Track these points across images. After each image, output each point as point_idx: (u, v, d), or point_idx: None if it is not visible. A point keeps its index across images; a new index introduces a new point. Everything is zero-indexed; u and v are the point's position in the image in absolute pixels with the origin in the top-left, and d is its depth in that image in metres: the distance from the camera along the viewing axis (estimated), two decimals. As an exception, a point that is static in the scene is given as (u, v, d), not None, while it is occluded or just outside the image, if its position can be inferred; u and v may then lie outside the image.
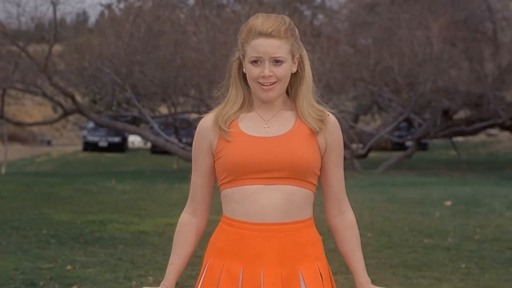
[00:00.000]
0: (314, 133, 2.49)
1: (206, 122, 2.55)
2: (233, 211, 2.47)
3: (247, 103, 2.54)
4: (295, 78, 2.54)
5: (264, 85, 2.46)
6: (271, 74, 2.45)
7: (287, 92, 2.55)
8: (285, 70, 2.47)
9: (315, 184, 2.52)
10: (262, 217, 2.43)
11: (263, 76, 2.45)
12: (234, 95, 2.55)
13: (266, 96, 2.47)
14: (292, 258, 2.44)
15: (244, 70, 2.52)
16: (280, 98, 2.53)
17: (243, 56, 2.50)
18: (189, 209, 2.61)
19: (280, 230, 2.43)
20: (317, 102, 2.56)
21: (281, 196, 2.43)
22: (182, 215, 2.63)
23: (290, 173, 2.44)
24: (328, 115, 2.55)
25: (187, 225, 2.60)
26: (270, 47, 2.44)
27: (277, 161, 2.43)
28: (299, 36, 2.54)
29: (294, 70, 2.52)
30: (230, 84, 2.57)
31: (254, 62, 2.46)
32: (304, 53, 2.55)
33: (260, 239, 2.42)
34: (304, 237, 2.46)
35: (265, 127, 2.49)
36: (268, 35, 2.44)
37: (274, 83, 2.46)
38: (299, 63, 2.53)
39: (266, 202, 2.43)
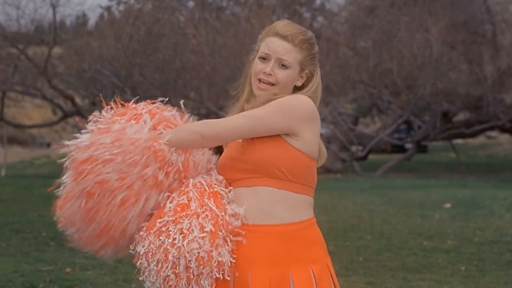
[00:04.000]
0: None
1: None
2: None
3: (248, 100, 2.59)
4: (299, 93, 2.55)
5: (262, 82, 2.48)
6: (272, 73, 2.47)
7: None
8: (287, 75, 2.49)
9: (304, 185, 2.48)
10: (250, 219, 2.43)
11: (264, 72, 2.48)
12: (241, 94, 2.61)
13: (257, 93, 2.51)
14: (282, 261, 2.42)
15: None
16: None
17: (257, 51, 2.56)
18: None
19: (270, 232, 2.42)
20: None
21: (258, 198, 2.44)
22: None
23: (260, 171, 2.44)
24: None
25: None
26: (280, 48, 2.49)
27: (244, 160, 2.47)
28: (317, 55, 2.57)
29: (299, 83, 2.54)
30: (245, 82, 2.61)
31: (263, 58, 2.51)
32: (317, 72, 2.58)
33: (249, 241, 2.42)
34: (293, 240, 2.44)
35: None
36: (283, 37, 2.49)
37: (271, 85, 2.48)
38: (307, 79, 2.54)
39: (248, 205, 2.44)
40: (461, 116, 26.09)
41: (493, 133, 37.21)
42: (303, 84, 2.55)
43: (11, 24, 22.30)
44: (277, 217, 2.43)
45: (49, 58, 21.10)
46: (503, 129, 25.17)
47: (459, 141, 33.77)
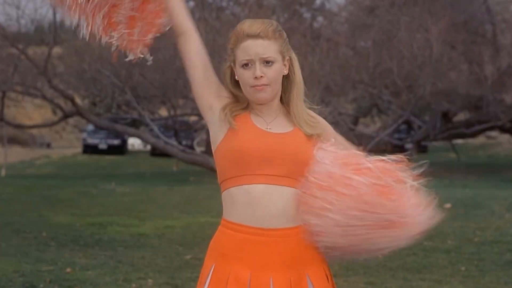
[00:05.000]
0: (311, 137, 2.50)
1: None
2: (237, 215, 2.44)
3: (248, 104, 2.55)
4: (287, 82, 2.54)
5: (257, 86, 2.46)
6: (263, 75, 2.44)
7: (281, 98, 2.55)
8: (276, 71, 2.47)
9: None
10: (269, 222, 2.41)
11: (255, 78, 2.44)
12: (234, 99, 2.55)
13: (260, 96, 2.47)
14: (300, 263, 2.43)
15: (236, 77, 2.52)
16: (276, 101, 2.53)
17: (234, 62, 2.50)
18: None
19: (288, 235, 2.42)
20: (307, 105, 2.58)
21: (284, 201, 2.41)
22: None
23: (294, 170, 2.42)
24: (319, 120, 2.58)
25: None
26: (259, 48, 2.45)
27: (284, 154, 2.43)
28: (287, 39, 2.54)
29: (286, 72, 2.52)
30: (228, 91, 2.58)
31: (245, 65, 2.46)
32: (293, 55, 2.55)
33: (268, 245, 2.41)
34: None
35: (267, 127, 2.49)
36: (256, 36, 2.45)
37: (266, 85, 2.46)
38: (289, 66, 2.53)
39: (272, 207, 2.41)
40: (461, 116, 26.08)
41: (493, 133, 37.20)
42: (288, 71, 2.53)
43: (11, 24, 22.28)
44: (294, 220, 2.43)
45: (49, 58, 21.07)
46: (503, 129, 25.16)
47: (459, 141, 33.75)
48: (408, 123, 26.01)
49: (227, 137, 2.47)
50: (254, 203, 2.41)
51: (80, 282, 6.43)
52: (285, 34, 2.53)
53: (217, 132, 2.51)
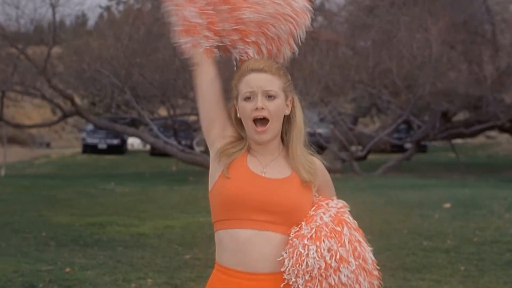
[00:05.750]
0: (308, 184, 2.49)
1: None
2: (227, 260, 2.45)
3: (247, 145, 2.53)
4: (288, 124, 2.53)
5: (257, 120, 2.44)
6: (264, 107, 2.43)
7: (282, 139, 2.54)
8: (278, 106, 2.46)
9: None
10: (254, 267, 2.42)
11: (256, 109, 2.43)
12: (238, 137, 2.54)
13: (260, 138, 2.46)
14: None
15: (238, 115, 2.50)
16: (275, 143, 2.51)
17: (237, 97, 2.49)
18: None
19: (274, 279, 2.42)
20: (306, 148, 2.55)
21: (271, 247, 2.42)
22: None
23: (284, 218, 2.42)
24: (316, 165, 2.55)
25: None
26: (262, 81, 2.44)
27: (274, 202, 2.42)
28: (291, 80, 2.53)
29: (287, 112, 2.51)
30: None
31: (247, 98, 2.45)
32: (296, 98, 2.54)
33: None
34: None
35: (262, 171, 2.47)
36: (260, 70, 2.45)
37: (267, 123, 2.44)
38: (291, 107, 2.52)
39: (256, 253, 2.41)
40: (460, 116, 26.08)
41: (492, 133, 37.20)
42: (290, 112, 2.52)
43: (11, 23, 22.28)
44: (282, 264, 2.43)
45: (48, 58, 21.08)
46: (502, 129, 25.16)
47: (458, 141, 33.77)
48: (407, 123, 26.00)
49: (220, 180, 2.47)
50: (241, 248, 2.42)
51: (79, 282, 6.43)
52: (289, 75, 2.52)
53: (213, 173, 2.51)
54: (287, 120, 2.52)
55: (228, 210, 2.43)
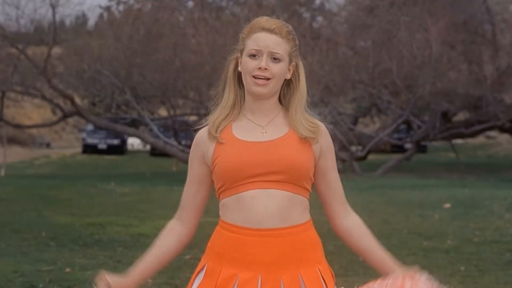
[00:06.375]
0: (307, 141, 2.49)
1: (202, 132, 2.56)
2: (231, 217, 2.46)
3: (238, 106, 2.53)
4: (289, 87, 2.54)
5: (258, 78, 2.45)
6: (267, 68, 2.44)
7: (280, 101, 2.55)
8: (281, 69, 2.47)
9: (309, 190, 2.52)
10: (259, 223, 2.42)
11: (259, 68, 2.44)
12: (226, 98, 2.54)
13: (259, 91, 2.46)
14: (292, 263, 2.43)
15: (239, 69, 2.51)
16: (272, 102, 2.52)
17: (242, 51, 2.50)
18: (177, 215, 2.65)
19: (278, 235, 2.42)
20: (309, 113, 2.55)
21: (276, 202, 2.42)
22: (170, 220, 2.65)
23: (285, 175, 2.43)
24: (319, 125, 2.55)
25: (171, 230, 2.67)
26: (271, 42, 2.46)
27: (274, 163, 2.43)
28: (298, 46, 2.54)
29: (288, 76, 2.51)
30: (224, 84, 2.57)
31: (252, 55, 2.46)
32: (301, 64, 2.55)
33: (258, 245, 2.42)
34: (303, 241, 2.46)
35: (262, 132, 2.48)
36: (270, 30, 2.47)
37: (268, 80, 2.45)
38: (294, 72, 2.53)
39: (261, 208, 2.42)
40: (460, 116, 26.09)
41: (492, 133, 37.21)
42: (291, 76, 2.53)
43: (11, 24, 22.29)
44: (287, 221, 2.44)
45: (48, 58, 21.09)
46: (502, 129, 25.17)
47: (458, 141, 33.78)
48: (407, 123, 26.01)
49: (215, 157, 2.48)
50: (246, 207, 2.43)
51: (79, 282, 6.43)
52: (297, 41, 2.54)
53: (207, 153, 2.51)
54: (287, 84, 2.53)
55: (231, 179, 2.45)
